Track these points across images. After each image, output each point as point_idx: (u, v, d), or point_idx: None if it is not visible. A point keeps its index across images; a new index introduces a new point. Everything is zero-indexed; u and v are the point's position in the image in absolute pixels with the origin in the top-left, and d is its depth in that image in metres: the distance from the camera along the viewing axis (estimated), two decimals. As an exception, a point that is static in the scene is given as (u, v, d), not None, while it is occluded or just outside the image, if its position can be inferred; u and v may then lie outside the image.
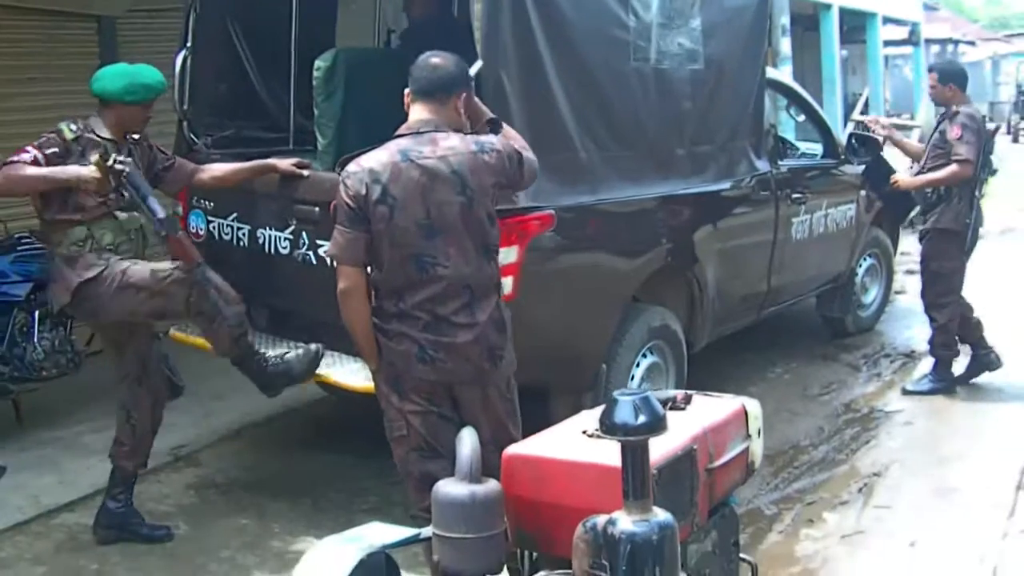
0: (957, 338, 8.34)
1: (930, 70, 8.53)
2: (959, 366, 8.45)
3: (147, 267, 5.49)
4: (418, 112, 4.61)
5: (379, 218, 4.45)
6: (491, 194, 4.57)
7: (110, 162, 5.20)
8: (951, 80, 8.18)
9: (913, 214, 8.58)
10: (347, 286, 4.58)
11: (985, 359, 8.41)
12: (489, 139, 4.62)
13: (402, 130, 4.60)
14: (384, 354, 4.66)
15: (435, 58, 4.65)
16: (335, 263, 4.63)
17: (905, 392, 8.41)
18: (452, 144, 4.50)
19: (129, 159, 5.42)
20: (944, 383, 8.33)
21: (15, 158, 5.28)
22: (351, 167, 4.57)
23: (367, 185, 4.45)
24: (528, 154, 4.69)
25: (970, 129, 7.92)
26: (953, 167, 7.90)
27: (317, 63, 6.49)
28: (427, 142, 4.50)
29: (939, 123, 8.26)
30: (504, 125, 4.80)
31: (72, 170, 5.32)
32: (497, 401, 4.73)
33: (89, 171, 5.24)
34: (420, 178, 4.44)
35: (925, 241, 8.29)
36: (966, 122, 7.94)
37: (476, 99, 4.77)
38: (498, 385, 4.72)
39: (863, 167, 9.25)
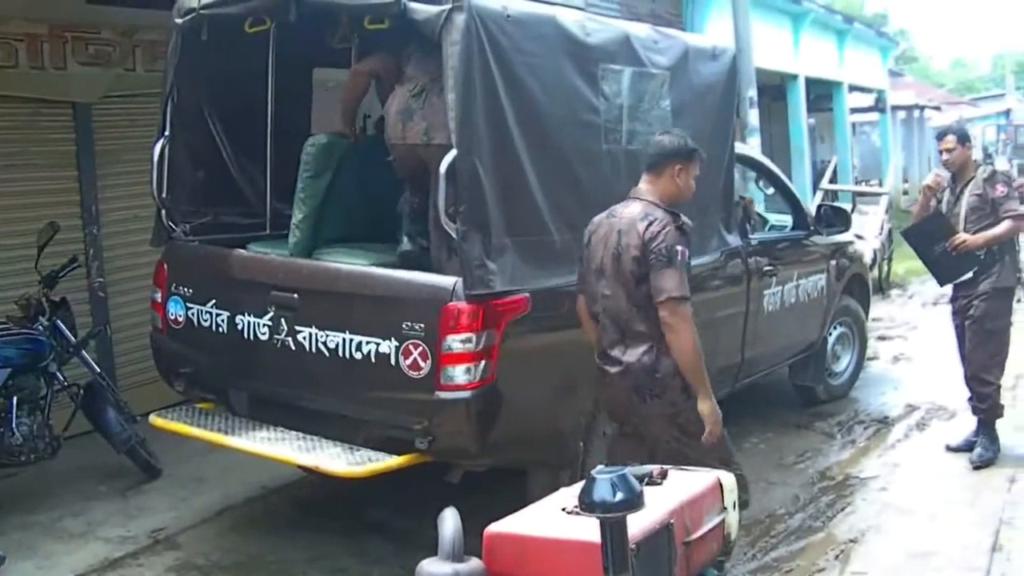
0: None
1: (943, 135, 8.35)
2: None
3: None
4: (641, 181, 5.57)
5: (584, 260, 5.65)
6: (634, 257, 5.29)
7: None
8: (968, 140, 8.33)
9: (966, 276, 8.20)
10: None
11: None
12: (658, 216, 5.33)
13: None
14: None
15: (659, 135, 5.74)
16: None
17: (949, 449, 8.55)
18: (631, 209, 5.41)
19: None
20: (997, 446, 8.31)
21: None
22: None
23: (587, 233, 5.66)
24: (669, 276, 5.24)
25: (1010, 184, 8.14)
26: (1009, 222, 8.00)
27: (310, 141, 6.64)
28: (625, 205, 5.49)
29: (961, 186, 8.22)
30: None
31: None
32: (663, 428, 5.45)
33: None
34: (606, 231, 5.45)
35: (981, 301, 8.16)
36: (1004, 179, 8.17)
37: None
38: (659, 417, 5.42)
39: (912, 234, 8.67)
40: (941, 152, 8.26)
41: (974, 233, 8.06)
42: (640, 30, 7.18)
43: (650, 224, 5.27)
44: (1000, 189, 8.03)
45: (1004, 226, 7.99)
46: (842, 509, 7.52)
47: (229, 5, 6.39)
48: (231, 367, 6.58)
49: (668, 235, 5.25)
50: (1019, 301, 8.18)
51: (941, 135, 8.37)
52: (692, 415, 5.34)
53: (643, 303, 5.31)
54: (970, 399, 8.41)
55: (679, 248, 5.25)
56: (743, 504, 4.93)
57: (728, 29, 14.60)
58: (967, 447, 8.36)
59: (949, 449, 8.50)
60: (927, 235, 8.40)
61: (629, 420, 5.58)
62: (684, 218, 5.42)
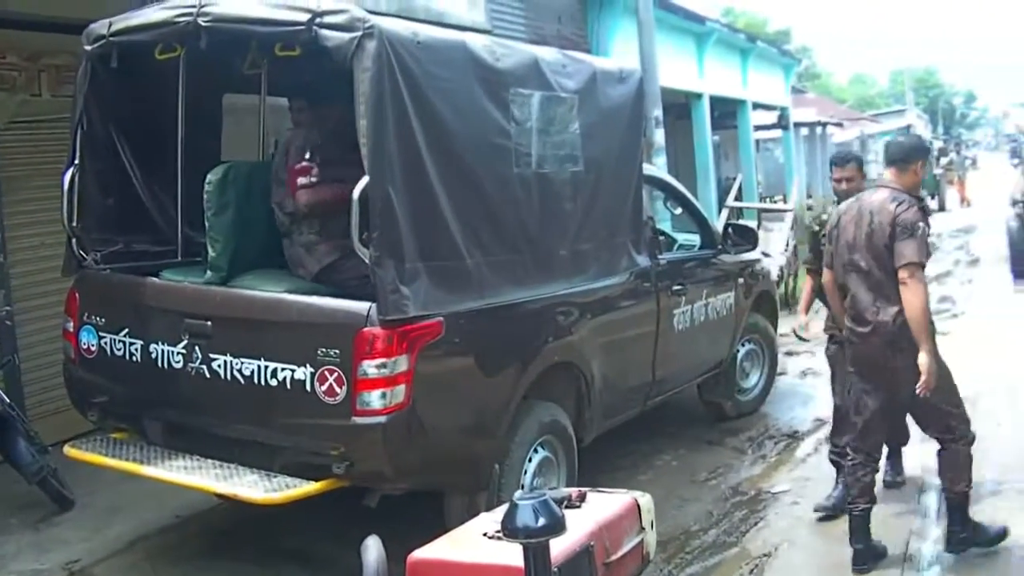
0: None
1: (845, 162, 7.83)
2: None
3: None
4: (885, 173, 6.68)
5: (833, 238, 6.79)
6: (887, 232, 6.27)
7: None
8: (863, 165, 8.08)
9: None
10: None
11: None
12: (905, 199, 6.35)
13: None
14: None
15: (900, 137, 7.18)
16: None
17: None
18: (880, 195, 6.46)
19: None
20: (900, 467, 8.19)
21: None
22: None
23: (836, 215, 6.83)
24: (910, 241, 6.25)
25: None
26: None
27: (208, 177, 6.57)
28: (872, 192, 6.59)
29: None
30: None
31: None
32: (910, 379, 6.22)
33: None
34: (856, 213, 6.52)
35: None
36: None
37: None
38: (907, 368, 6.22)
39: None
40: (840, 181, 7.72)
41: None
42: (548, 54, 7.28)
43: (899, 204, 6.30)
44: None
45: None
46: (755, 524, 7.62)
47: (139, 32, 6.38)
48: (145, 396, 6.54)
49: (913, 212, 6.27)
50: None
51: (843, 161, 7.90)
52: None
53: (893, 272, 6.27)
54: None
55: (921, 224, 6.27)
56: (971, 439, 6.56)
57: (634, 50, 14.75)
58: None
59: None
60: None
61: (880, 374, 6.50)
62: (926, 202, 6.57)
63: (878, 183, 6.71)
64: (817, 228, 7.95)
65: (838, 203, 7.55)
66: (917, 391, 6.17)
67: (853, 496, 6.66)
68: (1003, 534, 6.73)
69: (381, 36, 5.58)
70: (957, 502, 6.61)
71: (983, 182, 41.29)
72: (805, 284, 8.35)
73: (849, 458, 6.76)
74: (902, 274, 6.19)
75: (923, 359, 6.15)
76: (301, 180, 6.49)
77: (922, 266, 6.23)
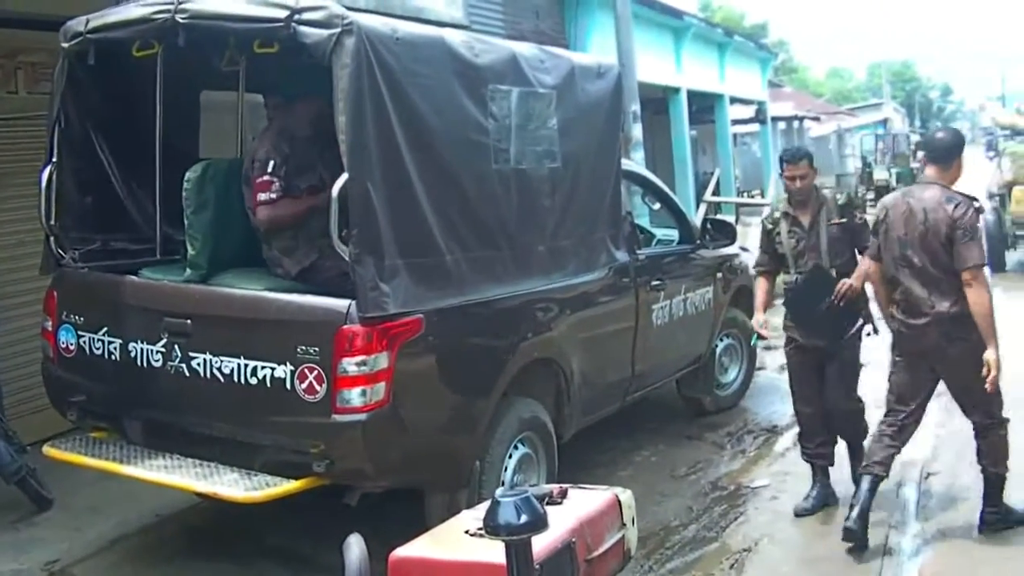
0: None
1: (798, 159, 7.47)
2: None
3: None
4: (928, 170, 6.87)
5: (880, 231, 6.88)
6: (944, 232, 6.47)
7: None
8: (813, 161, 7.67)
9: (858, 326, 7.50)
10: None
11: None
12: (960, 200, 6.55)
13: (917, 181, 7.24)
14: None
15: (940, 134, 7.21)
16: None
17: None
18: (932, 193, 6.64)
19: None
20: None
21: None
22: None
23: (881, 210, 6.93)
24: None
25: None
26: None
27: (187, 175, 6.55)
28: (922, 189, 6.77)
29: (812, 215, 7.46)
30: None
31: None
32: (965, 368, 6.54)
33: None
34: (905, 210, 6.68)
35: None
36: (859, 204, 8.23)
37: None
38: (961, 357, 6.55)
39: (795, 301, 7.66)
40: (793, 179, 7.38)
41: (838, 272, 7.40)
42: (527, 50, 7.27)
43: (956, 206, 6.51)
44: (860, 217, 7.55)
45: (866, 261, 7.23)
46: (735, 519, 7.64)
47: (117, 29, 6.35)
48: (125, 395, 6.52)
49: (971, 215, 6.51)
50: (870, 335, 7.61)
51: (795, 159, 7.49)
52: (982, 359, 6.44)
53: (949, 266, 6.48)
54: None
55: (979, 226, 6.59)
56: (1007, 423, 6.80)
57: (611, 45, 14.78)
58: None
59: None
60: (809, 295, 7.45)
61: (931, 362, 6.76)
62: (978, 202, 6.63)
63: (923, 180, 6.93)
64: (770, 227, 7.67)
65: (789, 201, 7.58)
66: (987, 386, 6.45)
67: (871, 461, 6.93)
68: None
69: (360, 33, 5.57)
70: (996, 483, 6.91)
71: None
72: (759, 286, 8.07)
73: (884, 424, 7.00)
74: (966, 276, 6.42)
75: (991, 354, 6.40)
76: (261, 196, 6.46)
77: (983, 266, 6.48)
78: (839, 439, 7.68)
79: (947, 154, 6.79)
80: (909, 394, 6.90)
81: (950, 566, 6.66)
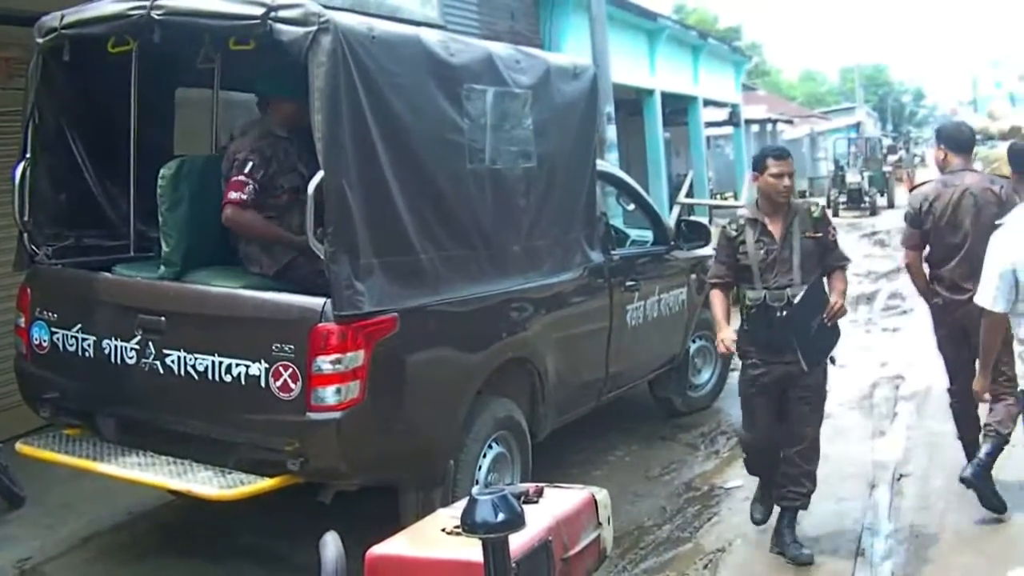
0: None
1: (783, 156, 6.85)
2: None
3: None
4: (955, 160, 7.48)
5: (927, 220, 7.42)
6: (993, 212, 6.85)
7: None
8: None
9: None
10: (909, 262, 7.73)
11: None
12: (1002, 181, 7.39)
13: (946, 171, 7.56)
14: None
15: (961, 126, 8.04)
16: None
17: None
18: (972, 178, 7.42)
19: None
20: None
21: None
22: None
23: (922, 202, 7.45)
24: None
25: None
26: (842, 272, 6.94)
27: (161, 172, 6.52)
28: (959, 176, 7.40)
29: (785, 225, 6.73)
30: None
31: None
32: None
33: None
34: (950, 196, 7.33)
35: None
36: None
37: None
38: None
39: (795, 322, 6.66)
40: (782, 176, 6.65)
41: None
42: (502, 50, 7.29)
43: (1001, 188, 7.32)
44: (833, 233, 6.87)
45: (843, 277, 6.87)
46: (709, 519, 7.68)
47: (91, 25, 6.33)
48: (98, 392, 6.49)
49: (1012, 194, 7.19)
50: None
51: (783, 155, 6.88)
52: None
53: None
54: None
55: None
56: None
57: (586, 46, 14.81)
58: None
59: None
60: (805, 314, 6.62)
61: (972, 332, 6.77)
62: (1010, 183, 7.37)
63: (953, 169, 7.47)
64: (734, 234, 6.80)
65: (758, 205, 6.82)
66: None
67: (962, 433, 7.72)
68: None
69: (336, 31, 5.57)
70: (999, 444, 7.17)
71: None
72: (715, 299, 6.97)
73: (954, 401, 7.72)
74: None
75: None
76: (231, 195, 6.44)
77: None
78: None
79: (969, 145, 7.66)
80: (958, 368, 7.58)
81: (922, 568, 6.68)
